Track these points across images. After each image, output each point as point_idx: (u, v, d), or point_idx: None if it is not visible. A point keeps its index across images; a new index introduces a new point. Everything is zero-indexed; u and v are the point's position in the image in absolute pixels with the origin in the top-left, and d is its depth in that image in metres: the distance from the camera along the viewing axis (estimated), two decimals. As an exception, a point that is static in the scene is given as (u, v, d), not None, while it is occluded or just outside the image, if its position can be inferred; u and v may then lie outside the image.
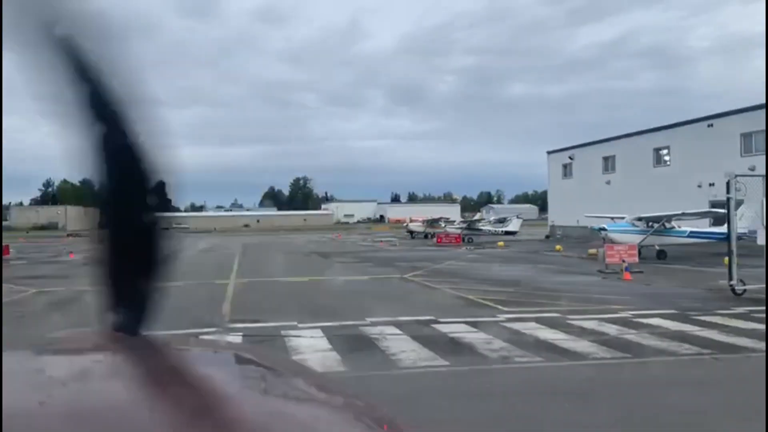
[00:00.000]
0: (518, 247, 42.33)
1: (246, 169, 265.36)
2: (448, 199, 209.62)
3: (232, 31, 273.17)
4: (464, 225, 54.35)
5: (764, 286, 14.83)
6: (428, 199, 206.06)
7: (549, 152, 61.18)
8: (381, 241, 50.28)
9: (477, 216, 77.20)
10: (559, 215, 57.28)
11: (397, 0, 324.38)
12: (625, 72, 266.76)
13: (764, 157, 22.66)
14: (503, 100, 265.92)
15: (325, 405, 1.06)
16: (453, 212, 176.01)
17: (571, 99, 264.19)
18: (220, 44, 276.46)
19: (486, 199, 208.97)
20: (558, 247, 38.60)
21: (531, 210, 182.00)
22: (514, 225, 53.93)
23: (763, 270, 15.20)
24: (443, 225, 61.51)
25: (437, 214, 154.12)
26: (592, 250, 33.53)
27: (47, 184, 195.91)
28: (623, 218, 32.61)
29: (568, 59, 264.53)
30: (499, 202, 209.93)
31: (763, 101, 28.73)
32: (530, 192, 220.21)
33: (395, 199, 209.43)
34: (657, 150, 43.46)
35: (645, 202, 39.76)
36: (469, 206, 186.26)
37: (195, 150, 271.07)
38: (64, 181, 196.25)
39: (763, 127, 28.14)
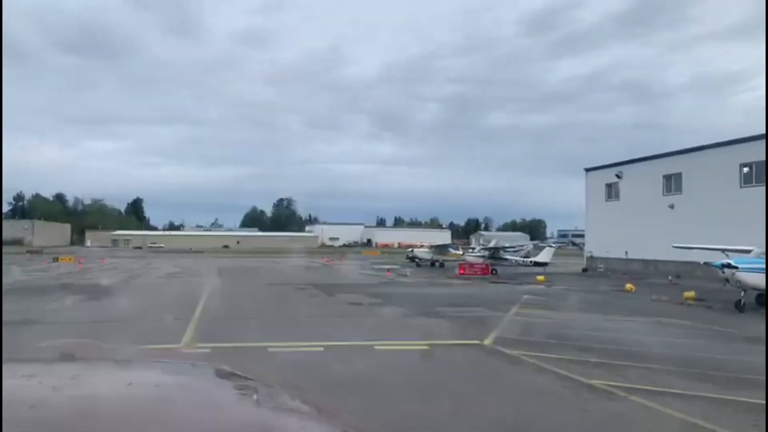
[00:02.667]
0: (566, 283, 32.38)
1: (228, 189, 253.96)
2: (434, 224, 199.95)
3: (215, 52, 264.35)
4: (485, 253, 44.20)
5: None
6: (415, 224, 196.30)
7: (588, 169, 51.42)
8: (388, 271, 39.96)
9: (491, 243, 67.60)
10: (599, 245, 47.40)
11: (378, 28, 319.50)
12: (603, 105, 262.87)
13: None
14: (485, 128, 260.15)
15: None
16: (443, 238, 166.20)
17: (550, 130, 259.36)
18: (202, 64, 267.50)
19: (474, 226, 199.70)
20: (629, 286, 28.60)
21: (522, 238, 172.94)
22: (544, 255, 43.93)
23: None
24: (459, 252, 51.66)
25: (427, 240, 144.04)
26: (689, 293, 24.55)
27: (18, 197, 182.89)
28: (749, 251, 22.70)
29: (547, 91, 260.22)
30: (486, 229, 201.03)
31: None
32: (518, 220, 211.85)
33: (381, 223, 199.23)
34: (746, 165, 33.91)
35: (732, 229, 30.15)
36: (457, 233, 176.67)
37: (176, 169, 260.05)
38: (37, 196, 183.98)
39: None
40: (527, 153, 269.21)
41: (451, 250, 52.19)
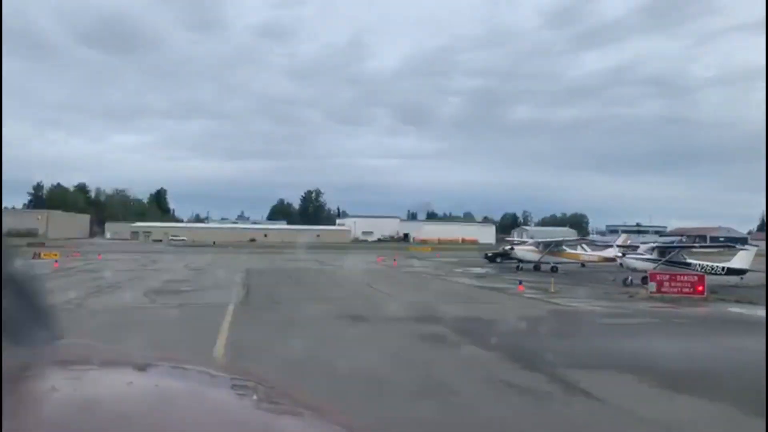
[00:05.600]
0: None
1: (253, 183, 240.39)
2: (469, 219, 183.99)
3: (237, 46, 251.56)
4: (650, 255, 28.51)
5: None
6: (450, 218, 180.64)
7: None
8: (521, 285, 24.06)
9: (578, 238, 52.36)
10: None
11: (398, 21, 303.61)
12: (629, 99, 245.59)
13: None
14: (508, 122, 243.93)
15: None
16: (488, 233, 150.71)
17: (575, 124, 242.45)
18: (224, 58, 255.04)
19: (511, 221, 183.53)
20: None
21: (569, 233, 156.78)
22: (741, 260, 28.22)
23: None
24: (576, 251, 36.46)
25: (469, 235, 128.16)
26: None
27: (38, 187, 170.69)
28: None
29: (572, 84, 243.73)
30: (525, 224, 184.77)
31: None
32: (558, 214, 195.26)
33: (412, 217, 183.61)
34: None
35: None
36: (497, 228, 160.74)
37: (200, 162, 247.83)
38: (57, 186, 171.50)
39: None
40: (553, 147, 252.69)
41: (567, 249, 36.90)
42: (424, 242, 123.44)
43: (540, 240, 38.24)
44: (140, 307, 15.94)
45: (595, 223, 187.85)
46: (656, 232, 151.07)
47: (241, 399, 1.09)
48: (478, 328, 12.81)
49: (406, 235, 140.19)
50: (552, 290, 22.79)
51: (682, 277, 21.75)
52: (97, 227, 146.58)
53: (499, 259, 46.21)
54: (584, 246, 39.28)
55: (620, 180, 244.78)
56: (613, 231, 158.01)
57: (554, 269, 35.73)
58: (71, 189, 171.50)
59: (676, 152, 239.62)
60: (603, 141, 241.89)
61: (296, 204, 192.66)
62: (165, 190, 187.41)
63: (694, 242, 74.04)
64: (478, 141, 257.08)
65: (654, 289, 20.99)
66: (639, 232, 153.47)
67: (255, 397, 1.10)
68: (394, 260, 42.63)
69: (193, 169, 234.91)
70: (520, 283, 23.37)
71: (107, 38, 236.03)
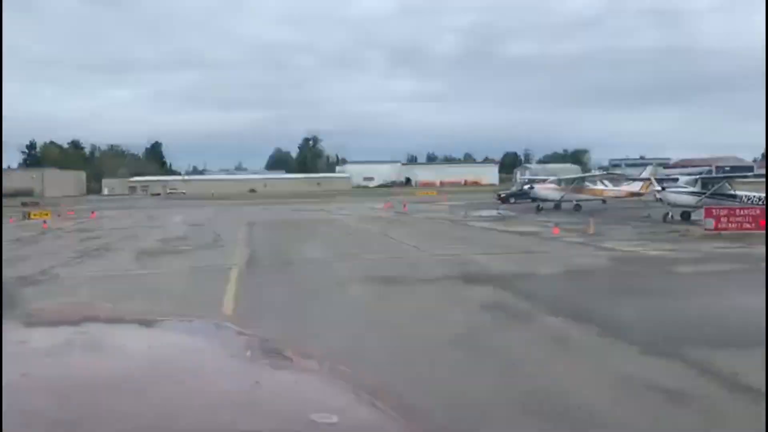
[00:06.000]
0: None
1: (249, 132, 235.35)
2: (469, 159, 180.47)
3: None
4: (691, 188, 25.75)
5: None
6: (451, 160, 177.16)
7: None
8: (556, 227, 21.36)
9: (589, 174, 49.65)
10: None
11: None
12: (627, 30, 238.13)
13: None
14: (506, 59, 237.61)
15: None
16: (491, 173, 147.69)
17: (574, 58, 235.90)
18: (211, 5, 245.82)
19: (512, 160, 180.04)
20: None
21: (573, 169, 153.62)
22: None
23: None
24: (599, 187, 33.91)
25: (472, 176, 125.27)
26: None
27: (31, 146, 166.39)
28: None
29: (568, 17, 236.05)
30: (527, 162, 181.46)
31: None
32: (560, 151, 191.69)
33: (411, 161, 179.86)
34: None
35: None
36: (500, 167, 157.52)
37: (193, 114, 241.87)
38: (50, 143, 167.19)
39: None
40: (552, 83, 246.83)
41: (589, 185, 34.26)
42: (426, 185, 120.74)
43: (562, 177, 35.52)
44: (127, 275, 13.40)
45: (597, 158, 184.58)
46: (660, 164, 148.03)
47: (234, 353, 1.09)
48: (540, 289, 10.29)
49: (408, 179, 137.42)
50: (591, 231, 20.26)
51: (741, 211, 19.18)
52: (94, 183, 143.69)
53: (512, 199, 43.78)
54: (604, 181, 36.57)
55: (621, 114, 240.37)
56: (615, 165, 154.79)
57: (577, 207, 33.23)
58: (65, 146, 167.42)
59: (676, 83, 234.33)
60: (603, 74, 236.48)
61: (294, 153, 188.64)
62: (160, 143, 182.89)
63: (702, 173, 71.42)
64: (476, 80, 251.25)
65: (711, 226, 18.44)
66: (642, 164, 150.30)
67: (248, 353, 1.11)
68: (404, 206, 40.02)
69: (188, 121, 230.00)
70: (556, 225, 20.80)
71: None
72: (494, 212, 34.36)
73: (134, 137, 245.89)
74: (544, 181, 36.21)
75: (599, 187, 34.55)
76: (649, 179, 35.90)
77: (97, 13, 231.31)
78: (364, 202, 56.91)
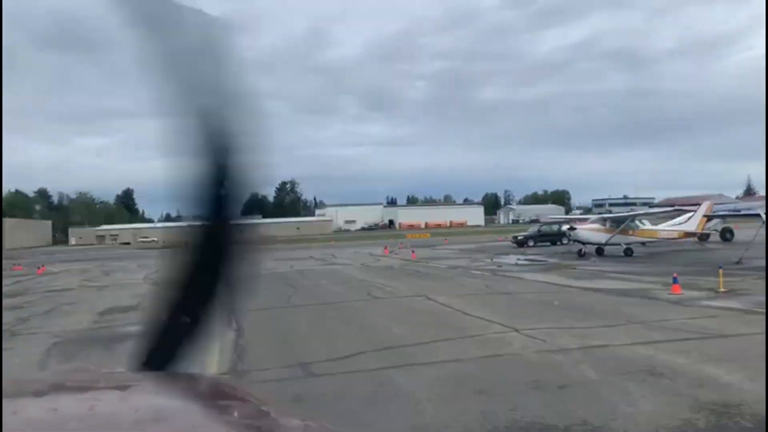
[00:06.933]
0: None
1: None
2: (449, 201, 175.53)
3: (193, 40, 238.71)
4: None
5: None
6: (434, 202, 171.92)
7: None
8: (676, 283, 14.95)
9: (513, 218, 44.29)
10: None
11: (356, 7, 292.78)
12: (593, 74, 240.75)
13: None
14: (476, 104, 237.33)
15: None
16: (476, 214, 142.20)
17: (542, 102, 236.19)
18: (181, 53, 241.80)
19: (493, 201, 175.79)
20: None
21: (557, 210, 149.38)
22: None
23: None
24: (650, 227, 28.04)
25: (457, 217, 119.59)
26: None
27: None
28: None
29: (536, 62, 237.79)
30: (507, 203, 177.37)
31: None
32: (540, 192, 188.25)
33: (391, 203, 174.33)
34: None
35: None
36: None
37: (165, 161, 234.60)
38: (16, 192, 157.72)
39: None
40: (523, 126, 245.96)
41: (640, 225, 28.22)
42: (411, 227, 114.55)
43: (607, 216, 29.47)
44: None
45: (577, 199, 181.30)
46: (644, 203, 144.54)
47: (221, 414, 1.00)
48: None
49: (391, 222, 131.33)
50: (721, 289, 13.99)
51: None
52: (61, 234, 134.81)
53: (531, 242, 37.73)
54: (644, 221, 30.66)
55: (595, 155, 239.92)
56: (599, 204, 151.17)
57: (628, 252, 27.11)
58: (31, 195, 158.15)
59: (646, 124, 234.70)
60: (572, 117, 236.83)
61: (271, 197, 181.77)
62: (132, 190, 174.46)
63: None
64: (448, 124, 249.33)
65: None
66: (626, 204, 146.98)
67: (235, 414, 1.01)
68: (412, 252, 33.49)
69: (161, 169, 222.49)
70: (675, 281, 14.41)
71: (61, 40, 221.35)
72: (523, 259, 28.09)
73: (106, 186, 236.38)
74: (582, 221, 30.04)
75: (650, 227, 28.56)
76: (707, 216, 30.17)
77: (66, 63, 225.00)
78: (355, 247, 50.28)
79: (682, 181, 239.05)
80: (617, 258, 26.28)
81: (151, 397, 1.03)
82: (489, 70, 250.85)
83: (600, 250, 28.62)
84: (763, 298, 11.86)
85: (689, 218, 30.36)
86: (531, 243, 37.79)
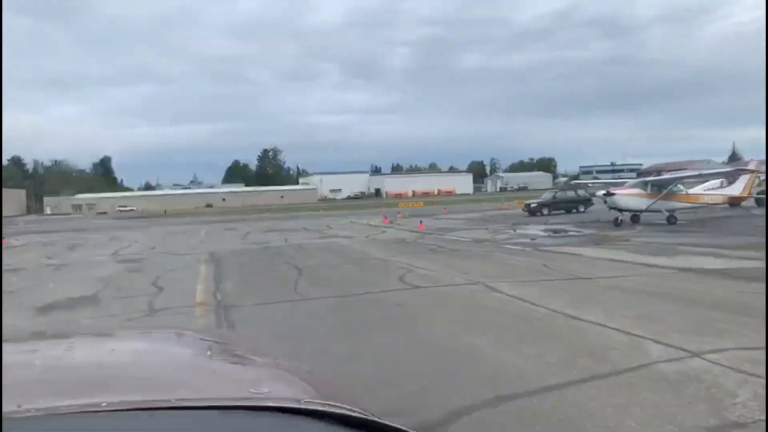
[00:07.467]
0: None
1: (203, 146, 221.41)
2: (434, 169, 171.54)
3: (172, 5, 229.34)
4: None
5: None
6: (419, 170, 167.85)
7: None
8: None
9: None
10: None
11: None
12: (576, 42, 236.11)
13: None
14: (460, 71, 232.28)
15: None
16: (465, 182, 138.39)
17: (526, 70, 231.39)
18: (159, 19, 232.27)
19: (480, 170, 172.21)
20: None
21: (544, 177, 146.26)
22: None
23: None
24: (686, 192, 24.44)
25: (444, 186, 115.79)
26: None
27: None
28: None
29: (518, 30, 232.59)
30: (493, 171, 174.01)
31: None
32: (525, 160, 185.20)
33: (376, 171, 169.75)
34: None
35: None
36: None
37: (146, 129, 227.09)
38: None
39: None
40: (507, 94, 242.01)
41: (684, 190, 24.57)
42: (397, 196, 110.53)
43: (649, 179, 25.66)
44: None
45: (563, 166, 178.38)
46: (632, 170, 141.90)
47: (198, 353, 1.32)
48: None
49: (377, 190, 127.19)
50: None
51: None
52: (36, 203, 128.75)
53: (546, 210, 34.09)
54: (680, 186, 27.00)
55: (579, 123, 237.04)
56: (586, 171, 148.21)
57: (671, 219, 23.49)
58: (5, 163, 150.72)
59: (629, 92, 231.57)
60: (555, 85, 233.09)
61: (253, 165, 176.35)
62: (110, 158, 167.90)
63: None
64: (432, 91, 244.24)
65: None
66: (614, 171, 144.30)
67: (209, 352, 1.28)
68: (420, 223, 29.54)
69: (140, 136, 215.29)
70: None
71: (38, 4, 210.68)
72: (549, 229, 24.37)
73: (83, 154, 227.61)
74: (619, 185, 26.22)
75: (695, 191, 24.91)
76: (755, 172, 26.50)
77: (44, 29, 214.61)
78: (349, 217, 46.24)
79: (668, 147, 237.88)
80: (660, 226, 22.66)
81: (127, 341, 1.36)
82: (472, 37, 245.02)
83: (636, 218, 25.00)
84: None
85: (723, 183, 26.81)
86: (545, 211, 34.09)
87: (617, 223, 23.72)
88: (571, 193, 36.10)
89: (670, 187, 23.61)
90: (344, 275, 13.22)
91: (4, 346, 1.11)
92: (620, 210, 23.89)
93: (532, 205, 34.55)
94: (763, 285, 9.15)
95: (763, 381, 5.02)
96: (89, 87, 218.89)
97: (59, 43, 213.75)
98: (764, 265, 11.24)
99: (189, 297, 11.28)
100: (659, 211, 23.72)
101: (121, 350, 1.26)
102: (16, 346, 1.13)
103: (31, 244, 31.14)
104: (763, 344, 6.02)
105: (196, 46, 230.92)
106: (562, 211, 34.53)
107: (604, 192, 24.14)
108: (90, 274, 15.71)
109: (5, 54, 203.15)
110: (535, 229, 24.52)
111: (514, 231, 24.20)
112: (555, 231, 23.42)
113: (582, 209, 34.63)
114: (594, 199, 32.23)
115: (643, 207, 23.59)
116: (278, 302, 10.19)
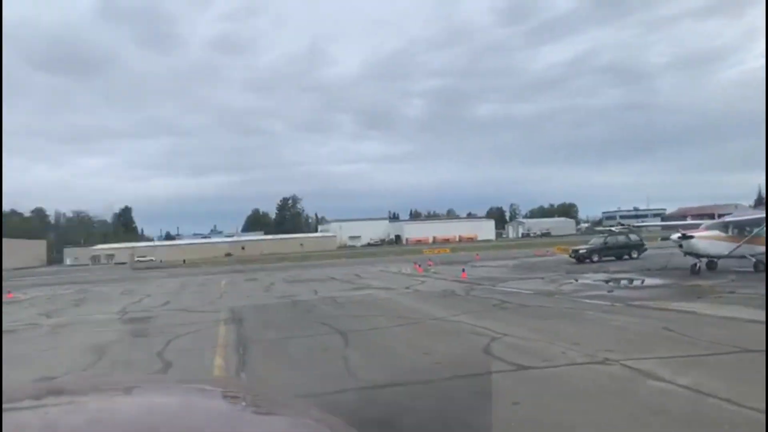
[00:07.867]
0: None
1: (223, 196, 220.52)
2: (452, 216, 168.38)
3: (194, 61, 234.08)
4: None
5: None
6: (437, 216, 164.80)
7: None
8: None
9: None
10: None
11: (353, 26, 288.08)
12: (589, 89, 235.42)
13: None
14: (474, 120, 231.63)
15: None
16: (488, 228, 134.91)
17: (538, 118, 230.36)
18: (182, 74, 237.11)
19: (499, 215, 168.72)
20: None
21: (568, 223, 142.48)
22: None
23: None
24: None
25: (465, 232, 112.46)
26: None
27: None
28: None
29: (531, 79, 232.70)
30: (513, 217, 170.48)
31: None
32: (546, 206, 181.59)
33: (394, 218, 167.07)
34: None
35: None
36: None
37: (167, 180, 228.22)
38: (12, 211, 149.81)
39: None
40: (521, 141, 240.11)
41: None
42: (418, 242, 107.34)
43: (729, 219, 22.34)
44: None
45: (584, 212, 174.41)
46: (656, 215, 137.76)
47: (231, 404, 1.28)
48: None
49: (397, 237, 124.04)
50: None
51: None
52: (57, 253, 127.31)
53: (596, 257, 30.79)
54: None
55: (595, 169, 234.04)
56: (610, 217, 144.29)
57: (758, 266, 20.12)
58: (27, 215, 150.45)
59: (643, 137, 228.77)
60: (570, 131, 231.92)
61: (272, 214, 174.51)
62: (130, 208, 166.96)
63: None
64: (446, 139, 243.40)
65: None
66: (637, 215, 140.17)
67: (243, 403, 1.26)
68: (463, 271, 26.37)
69: (160, 188, 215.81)
70: None
71: (62, 61, 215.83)
72: (615, 279, 21.10)
73: (104, 205, 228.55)
74: (695, 227, 22.94)
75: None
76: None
77: (65, 84, 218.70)
78: (376, 265, 43.11)
79: (685, 192, 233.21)
80: (746, 274, 19.33)
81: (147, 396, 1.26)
82: (485, 86, 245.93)
83: (713, 264, 21.67)
84: None
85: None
86: (595, 257, 30.75)
87: (695, 271, 20.40)
88: (622, 238, 32.74)
89: (757, 230, 20.28)
90: (405, 344, 10.10)
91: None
92: (698, 256, 20.57)
93: (581, 251, 31.23)
94: None
95: None
96: (111, 139, 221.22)
97: (82, 98, 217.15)
98: None
99: (203, 376, 8.26)
100: (743, 257, 20.38)
101: (155, 406, 1.20)
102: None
103: (37, 298, 28.44)
104: None
105: (217, 100, 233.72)
106: (613, 258, 31.17)
107: (679, 235, 20.82)
108: (85, 340, 12.74)
109: (33, 111, 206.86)
110: (598, 279, 21.27)
111: (576, 281, 20.94)
112: (624, 280, 20.15)
113: (635, 255, 31.26)
114: (650, 243, 28.89)
115: (725, 252, 20.29)
116: (326, 393, 6.98)
